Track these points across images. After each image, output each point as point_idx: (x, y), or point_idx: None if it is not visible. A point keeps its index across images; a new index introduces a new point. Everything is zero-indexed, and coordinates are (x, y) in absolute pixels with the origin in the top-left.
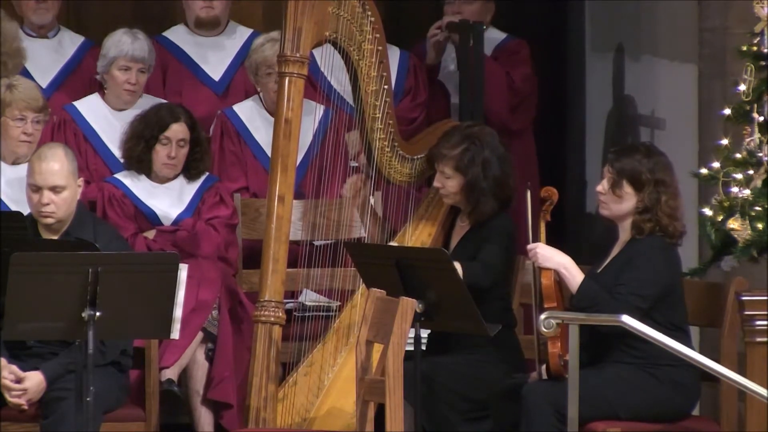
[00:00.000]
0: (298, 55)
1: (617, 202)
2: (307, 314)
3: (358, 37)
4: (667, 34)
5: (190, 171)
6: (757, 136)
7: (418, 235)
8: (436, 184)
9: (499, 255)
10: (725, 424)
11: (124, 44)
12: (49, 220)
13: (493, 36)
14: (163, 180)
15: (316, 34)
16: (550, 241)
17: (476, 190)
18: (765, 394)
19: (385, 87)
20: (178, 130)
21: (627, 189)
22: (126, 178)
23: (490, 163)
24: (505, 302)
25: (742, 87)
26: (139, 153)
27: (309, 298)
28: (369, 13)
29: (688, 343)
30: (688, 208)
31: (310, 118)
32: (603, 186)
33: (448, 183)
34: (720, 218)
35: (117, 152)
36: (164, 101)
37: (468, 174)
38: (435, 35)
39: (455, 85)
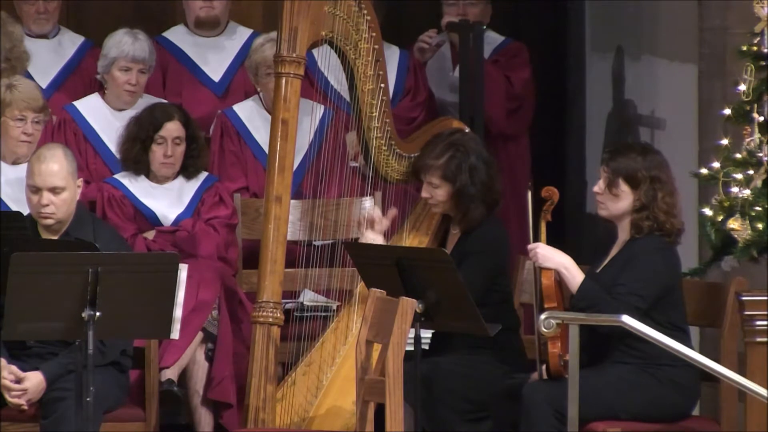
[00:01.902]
0: (294, 55)
1: (614, 201)
2: (306, 314)
3: (354, 36)
4: (667, 34)
5: (188, 169)
6: (757, 136)
7: (415, 234)
8: (424, 194)
9: (476, 273)
10: (725, 424)
11: (125, 45)
12: (49, 221)
13: (491, 39)
14: (162, 180)
15: (313, 34)
16: (551, 241)
17: (465, 197)
18: (765, 394)
19: (382, 86)
20: (172, 128)
21: (623, 187)
22: (125, 179)
23: (476, 168)
24: (506, 305)
25: (742, 87)
26: (136, 155)
27: (308, 297)
28: (365, 11)
29: (688, 343)
30: (688, 208)
31: (309, 117)
32: (599, 186)
33: (437, 192)
34: (720, 218)
35: (117, 153)
36: (158, 101)
37: (456, 181)
38: (423, 43)
39: (449, 84)
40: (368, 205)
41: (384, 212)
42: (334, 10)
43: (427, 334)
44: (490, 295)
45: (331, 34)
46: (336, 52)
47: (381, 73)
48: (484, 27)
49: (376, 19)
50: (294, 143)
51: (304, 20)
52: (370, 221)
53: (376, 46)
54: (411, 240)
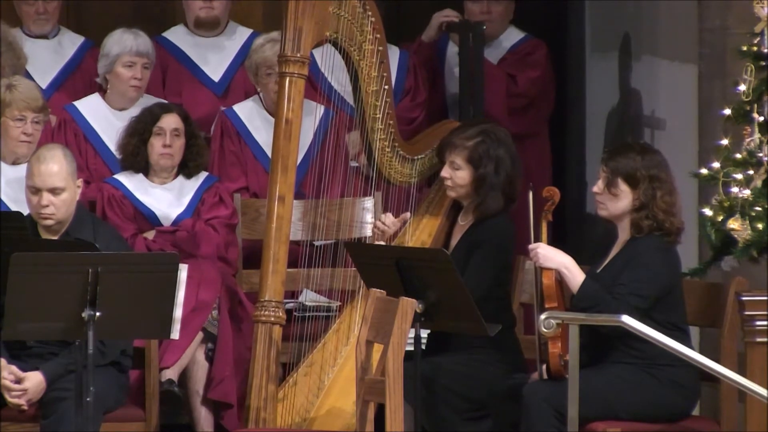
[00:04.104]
0: (298, 55)
1: (614, 201)
2: (307, 314)
3: (358, 37)
4: (667, 34)
5: (188, 166)
6: (757, 136)
7: (418, 235)
8: (443, 174)
9: (487, 267)
10: (725, 424)
11: (127, 40)
12: (49, 222)
13: (513, 35)
14: (161, 175)
15: (317, 34)
16: (551, 241)
17: (486, 185)
18: (765, 394)
19: (386, 87)
20: (170, 120)
21: (622, 187)
22: (125, 179)
23: (503, 160)
24: (504, 302)
25: (742, 87)
26: (134, 148)
27: (309, 298)
28: (369, 13)
29: (687, 343)
30: (688, 208)
31: (311, 118)
32: (598, 186)
33: (457, 174)
34: (720, 218)
35: (116, 152)
36: (158, 101)
37: (480, 167)
38: (447, 17)
39: (456, 81)
40: (368, 204)
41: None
42: (338, 10)
43: (423, 334)
44: (494, 290)
45: (335, 34)
46: (340, 53)
47: (385, 74)
48: (484, 27)
49: (380, 19)
50: (297, 143)
51: (308, 20)
52: (382, 229)
53: (381, 48)
54: (418, 234)
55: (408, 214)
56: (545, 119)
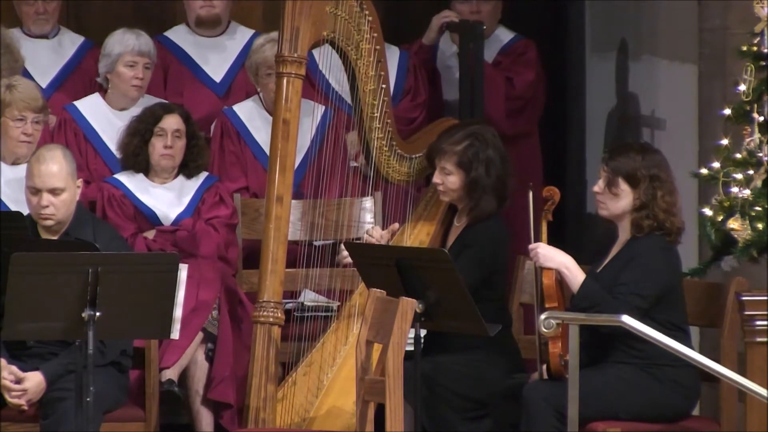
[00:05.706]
0: (295, 55)
1: (614, 200)
2: (306, 314)
3: (356, 36)
4: (667, 34)
5: (188, 166)
6: (757, 136)
7: (416, 234)
8: (435, 180)
9: (472, 266)
10: (725, 424)
11: (129, 40)
12: (49, 222)
13: (502, 36)
14: (161, 175)
15: (314, 34)
16: (551, 241)
17: (479, 188)
18: (765, 394)
19: (383, 86)
20: (172, 121)
21: (623, 186)
22: (125, 178)
23: (493, 161)
24: (501, 302)
25: (742, 87)
26: (135, 148)
27: (308, 298)
28: (367, 12)
29: (688, 343)
30: (688, 208)
31: (309, 118)
32: (599, 186)
33: (448, 179)
34: (720, 218)
35: (117, 152)
36: (159, 101)
37: (471, 171)
38: (447, 17)
39: (452, 82)
40: (367, 204)
41: (384, 213)
42: (335, 10)
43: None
44: (485, 292)
45: (332, 34)
46: (337, 52)
47: (382, 73)
48: (484, 27)
49: (378, 19)
50: (295, 143)
51: (305, 20)
52: (370, 242)
53: (378, 47)
54: (416, 234)
55: (396, 225)
56: (538, 118)
